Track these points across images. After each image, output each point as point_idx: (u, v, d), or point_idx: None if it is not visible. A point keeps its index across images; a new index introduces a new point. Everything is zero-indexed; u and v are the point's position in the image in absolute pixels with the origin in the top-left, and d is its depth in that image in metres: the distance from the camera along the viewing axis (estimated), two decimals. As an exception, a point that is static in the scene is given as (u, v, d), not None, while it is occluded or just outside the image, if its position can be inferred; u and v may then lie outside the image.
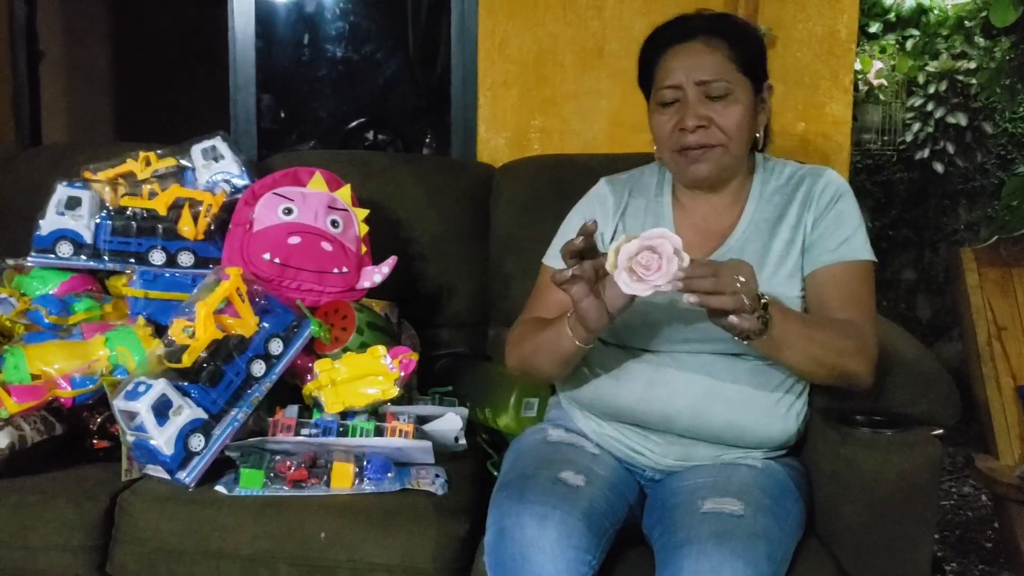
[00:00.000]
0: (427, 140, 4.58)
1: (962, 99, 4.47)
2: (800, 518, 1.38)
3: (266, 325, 1.58)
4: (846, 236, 1.41)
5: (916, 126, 4.58)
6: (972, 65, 4.32)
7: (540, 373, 1.48)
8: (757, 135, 1.46)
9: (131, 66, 4.54)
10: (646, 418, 1.43)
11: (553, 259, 1.53)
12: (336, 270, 1.70)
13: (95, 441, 1.63)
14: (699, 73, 1.39)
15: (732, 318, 1.20)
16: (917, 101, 4.54)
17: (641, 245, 1.18)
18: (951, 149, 4.54)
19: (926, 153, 4.58)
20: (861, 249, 1.42)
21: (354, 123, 4.44)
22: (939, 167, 4.58)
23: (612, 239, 1.50)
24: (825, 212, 1.43)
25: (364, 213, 1.79)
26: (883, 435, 1.41)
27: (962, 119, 4.45)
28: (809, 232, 1.43)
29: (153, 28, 4.53)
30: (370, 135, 4.45)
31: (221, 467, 1.53)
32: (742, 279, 1.20)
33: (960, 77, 4.41)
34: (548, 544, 1.21)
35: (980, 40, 4.26)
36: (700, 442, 1.43)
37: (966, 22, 4.21)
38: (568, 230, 1.56)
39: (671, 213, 1.51)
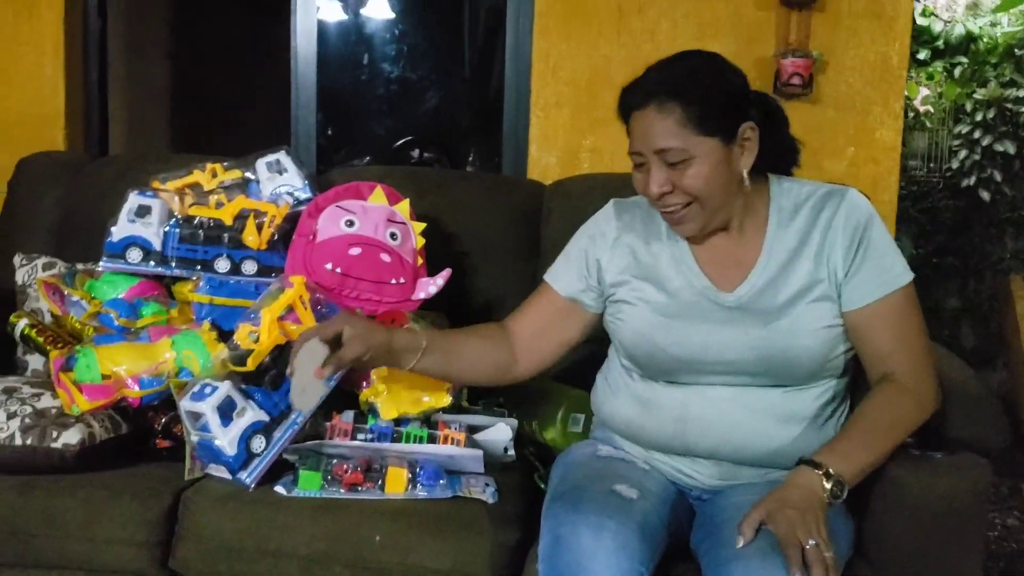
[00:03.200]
0: (470, 159, 4.65)
1: (1010, 127, 4.44)
2: (849, 537, 1.39)
3: (326, 333, 1.63)
4: (883, 267, 1.39)
5: (963, 153, 4.54)
6: (1021, 93, 4.29)
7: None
8: (745, 173, 1.39)
9: (189, 81, 4.66)
10: (684, 449, 1.45)
11: (553, 277, 1.57)
12: (393, 280, 1.74)
13: (158, 440, 1.68)
14: (654, 142, 1.35)
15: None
16: (964, 128, 4.51)
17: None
18: (998, 177, 4.49)
19: (972, 181, 4.54)
20: (900, 275, 1.40)
21: (401, 141, 4.53)
22: (985, 195, 4.53)
23: (608, 273, 1.51)
24: (853, 245, 1.39)
25: (421, 226, 1.84)
26: (931, 457, 1.42)
27: (1010, 147, 4.41)
28: (839, 266, 1.40)
29: (211, 44, 4.64)
30: (416, 153, 4.54)
31: (278, 469, 1.57)
32: (805, 530, 1.22)
33: (1009, 105, 4.38)
34: (603, 554, 1.23)
35: (1030, 68, 4.24)
36: (744, 465, 1.45)
37: (1016, 50, 4.20)
38: (571, 253, 1.57)
39: (690, 250, 1.47)
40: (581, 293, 1.53)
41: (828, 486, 1.28)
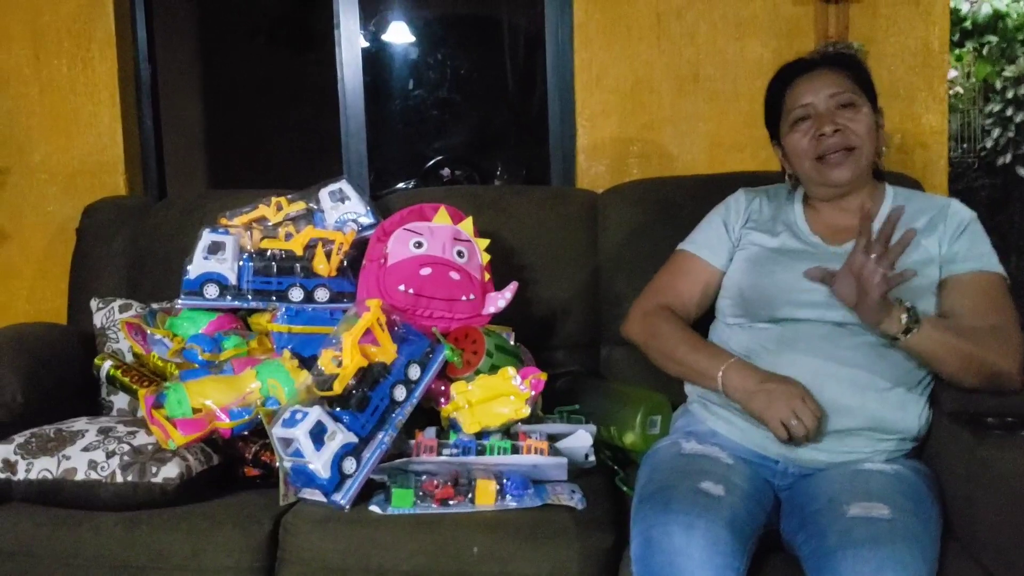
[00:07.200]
0: (498, 172, 4.72)
1: (1042, 102, 4.42)
2: (939, 521, 1.40)
3: (403, 352, 1.67)
4: (982, 252, 1.56)
5: (996, 132, 4.53)
6: (1050, 68, 4.28)
7: (656, 365, 1.69)
8: (879, 152, 1.61)
9: (221, 119, 4.74)
10: None
11: (691, 244, 1.74)
12: (464, 297, 1.78)
13: (247, 469, 1.72)
14: (829, 88, 1.59)
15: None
16: (996, 107, 4.50)
17: None
18: (1034, 153, 4.47)
19: (1008, 158, 4.53)
20: (996, 265, 1.55)
21: (431, 162, 4.62)
22: (1022, 171, 4.51)
23: (739, 230, 1.71)
24: (958, 231, 1.57)
25: (485, 243, 1.88)
26: (1019, 436, 1.43)
27: (1043, 122, 4.39)
28: (944, 242, 1.55)
29: (241, 80, 4.73)
30: (446, 172, 4.62)
31: (364, 490, 1.59)
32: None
33: (1038, 80, 4.36)
34: (696, 552, 1.26)
35: (1059, 42, 4.23)
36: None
37: (1044, 25, 4.19)
38: (706, 226, 1.75)
39: (802, 215, 1.66)
40: (722, 257, 1.71)
41: (904, 316, 1.41)
